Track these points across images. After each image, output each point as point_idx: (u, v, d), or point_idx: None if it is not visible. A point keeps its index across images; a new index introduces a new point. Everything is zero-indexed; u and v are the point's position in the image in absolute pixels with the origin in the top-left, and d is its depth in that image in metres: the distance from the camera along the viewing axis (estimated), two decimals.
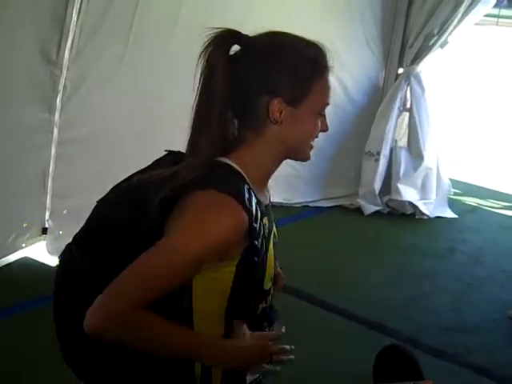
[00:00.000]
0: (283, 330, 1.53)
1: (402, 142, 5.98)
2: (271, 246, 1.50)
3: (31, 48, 3.75)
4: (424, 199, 5.94)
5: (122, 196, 1.51)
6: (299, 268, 4.52)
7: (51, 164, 4.12)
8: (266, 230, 1.46)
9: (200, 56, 1.40)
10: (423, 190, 5.94)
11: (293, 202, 5.64)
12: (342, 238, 5.34)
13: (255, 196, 1.42)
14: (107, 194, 1.55)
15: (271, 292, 1.56)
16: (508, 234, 5.76)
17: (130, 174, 1.56)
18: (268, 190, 1.57)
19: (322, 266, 4.70)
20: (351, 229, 5.60)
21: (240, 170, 1.43)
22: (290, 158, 1.52)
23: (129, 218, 1.45)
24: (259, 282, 1.46)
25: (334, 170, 5.80)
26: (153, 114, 4.39)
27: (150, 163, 1.57)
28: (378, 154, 5.76)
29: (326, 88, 1.47)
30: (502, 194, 6.89)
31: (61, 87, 3.97)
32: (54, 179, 4.13)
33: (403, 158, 5.87)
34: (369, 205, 5.83)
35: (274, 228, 1.58)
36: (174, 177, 1.39)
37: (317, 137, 1.50)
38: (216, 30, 1.40)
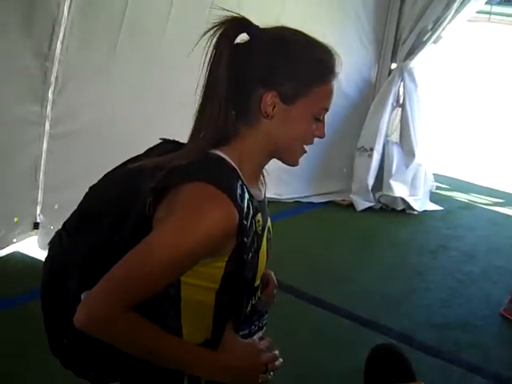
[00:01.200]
0: (270, 340, 1.51)
1: (394, 137, 5.98)
2: (264, 242, 1.47)
3: (22, 41, 3.72)
4: (413, 195, 5.95)
5: (113, 183, 1.50)
6: (291, 264, 4.52)
7: (43, 158, 4.08)
8: (259, 227, 1.42)
9: (208, 39, 1.37)
10: (412, 186, 5.95)
11: (285, 197, 5.61)
12: (335, 234, 5.33)
13: (248, 191, 1.39)
14: (99, 181, 1.53)
15: (261, 286, 1.55)
16: (500, 230, 5.77)
17: None
18: (263, 185, 1.55)
19: (314, 261, 4.69)
20: (344, 224, 5.59)
21: (233, 163, 1.40)
22: (279, 159, 1.48)
23: (119, 204, 1.44)
24: (250, 279, 1.43)
25: (326, 166, 5.78)
26: (145, 107, 4.36)
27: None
28: (372, 149, 5.76)
29: (326, 93, 1.44)
30: (494, 190, 6.89)
31: (52, 80, 3.93)
32: (46, 173, 4.09)
33: (395, 154, 5.87)
34: (361, 201, 5.82)
35: (269, 223, 1.55)
36: (167, 165, 1.36)
37: (311, 143, 1.47)
38: (227, 15, 1.38)
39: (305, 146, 1.46)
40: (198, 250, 1.32)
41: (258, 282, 1.49)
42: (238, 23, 1.39)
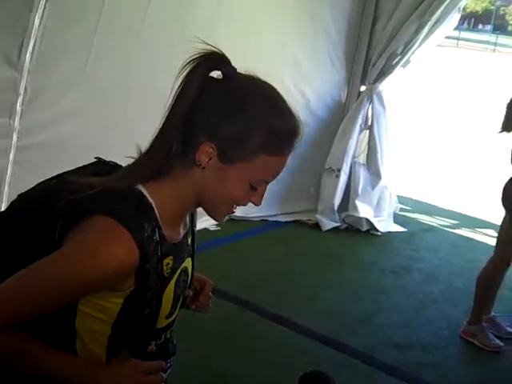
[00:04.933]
0: (163, 363, 1.46)
1: (361, 158, 6.05)
2: (172, 284, 1.44)
3: None
4: (377, 216, 6.02)
5: (34, 196, 1.48)
6: (255, 282, 4.55)
7: (8, 170, 4.04)
8: (168, 270, 1.40)
9: (181, 69, 1.32)
10: (377, 208, 6.02)
11: (251, 215, 5.63)
12: (300, 253, 5.36)
13: (159, 234, 1.35)
14: (27, 191, 1.52)
15: (170, 327, 1.52)
16: (461, 253, 5.86)
17: None
18: (186, 226, 1.51)
19: (279, 280, 4.71)
20: (309, 244, 5.62)
21: (153, 202, 1.36)
22: (204, 209, 1.44)
23: (34, 216, 1.41)
24: (150, 320, 1.41)
25: (293, 185, 5.81)
26: (115, 121, 4.35)
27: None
28: (339, 170, 5.82)
29: (273, 167, 1.35)
30: (455, 213, 7.01)
31: (21, 91, 3.90)
32: (11, 186, 4.05)
33: (362, 175, 5.94)
34: (327, 220, 5.87)
35: (186, 264, 1.51)
36: (89, 188, 1.34)
37: (244, 205, 1.41)
38: (207, 48, 1.32)
39: (232, 207, 1.41)
40: (88, 281, 1.30)
41: (163, 324, 1.46)
42: (214, 59, 1.34)
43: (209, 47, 1.33)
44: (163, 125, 1.35)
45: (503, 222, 3.96)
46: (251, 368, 3.50)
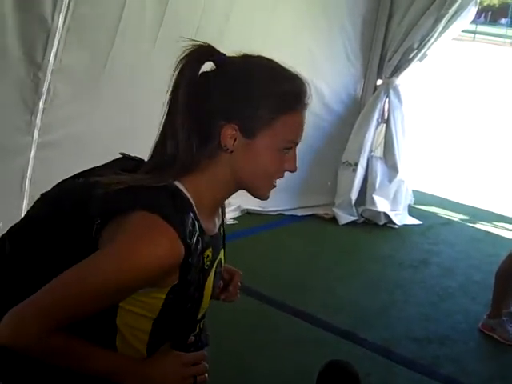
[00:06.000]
0: (205, 353, 1.49)
1: (378, 152, 6.04)
2: (211, 276, 1.46)
3: (16, 50, 3.72)
4: (394, 210, 6.02)
5: (66, 193, 1.46)
6: (272, 275, 4.56)
7: (30, 167, 4.09)
8: (208, 262, 1.41)
9: (174, 68, 1.35)
10: (394, 201, 6.01)
11: (268, 209, 5.64)
12: (317, 247, 5.36)
13: (200, 227, 1.36)
14: (52, 189, 1.50)
15: (203, 318, 1.53)
16: (480, 246, 5.83)
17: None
18: (219, 218, 1.52)
19: (296, 274, 4.72)
20: (326, 238, 5.63)
21: (189, 196, 1.37)
22: (246, 191, 1.45)
23: (68, 218, 1.40)
24: (192, 313, 1.43)
25: (310, 179, 5.82)
26: (135, 121, 4.37)
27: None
28: (356, 164, 5.81)
29: (293, 125, 1.38)
30: (473, 207, 6.98)
31: (44, 90, 3.93)
32: (33, 182, 4.09)
33: (379, 169, 5.92)
34: (344, 214, 5.87)
35: (221, 255, 1.54)
36: (125, 185, 1.33)
37: (281, 176, 1.43)
38: (193, 43, 1.35)
39: (273, 180, 1.43)
40: (136, 280, 1.30)
41: (200, 315, 1.47)
42: (203, 51, 1.37)
43: (195, 42, 1.36)
44: (170, 125, 1.37)
45: None
46: (271, 361, 3.52)
